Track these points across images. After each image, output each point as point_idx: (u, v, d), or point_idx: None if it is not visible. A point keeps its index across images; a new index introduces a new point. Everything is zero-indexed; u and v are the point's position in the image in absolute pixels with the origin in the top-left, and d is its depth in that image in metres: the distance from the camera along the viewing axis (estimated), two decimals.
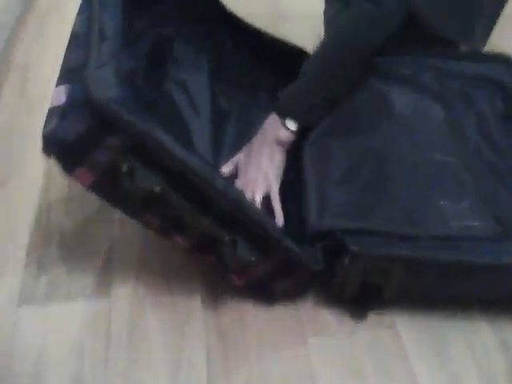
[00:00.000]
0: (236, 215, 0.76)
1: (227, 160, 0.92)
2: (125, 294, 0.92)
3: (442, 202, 0.87)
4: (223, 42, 1.00)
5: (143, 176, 0.71)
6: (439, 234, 0.84)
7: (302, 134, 0.91)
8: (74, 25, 0.78)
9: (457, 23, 1.01)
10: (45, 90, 1.22)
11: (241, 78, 1.02)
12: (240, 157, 0.91)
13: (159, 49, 0.89)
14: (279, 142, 0.89)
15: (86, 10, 0.78)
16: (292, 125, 0.88)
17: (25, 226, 1.02)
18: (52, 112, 0.72)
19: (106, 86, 0.67)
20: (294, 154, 0.92)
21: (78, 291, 0.93)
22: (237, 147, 0.94)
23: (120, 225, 1.02)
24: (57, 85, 0.74)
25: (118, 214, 1.01)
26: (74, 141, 0.69)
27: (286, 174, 0.91)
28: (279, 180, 0.89)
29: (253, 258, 0.79)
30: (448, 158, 0.92)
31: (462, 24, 1.02)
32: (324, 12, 1.22)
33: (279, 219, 0.85)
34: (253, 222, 0.77)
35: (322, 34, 1.21)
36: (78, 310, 0.90)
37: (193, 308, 0.90)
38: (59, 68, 0.77)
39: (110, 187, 0.75)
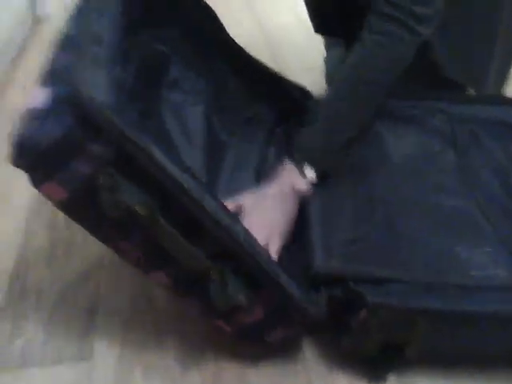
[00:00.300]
0: (229, 246, 0.69)
1: (225, 187, 0.90)
2: (110, 356, 0.83)
3: (461, 250, 0.82)
4: (224, 70, 0.97)
5: (126, 190, 0.64)
6: (464, 284, 0.77)
7: None
8: (65, 28, 0.72)
9: (469, 66, 0.99)
10: None
11: (240, 109, 0.99)
12: (246, 197, 0.86)
13: (152, 67, 0.85)
14: (297, 192, 0.85)
15: (80, 14, 0.73)
16: (310, 172, 0.85)
17: None
18: (29, 115, 0.64)
19: (98, 88, 0.61)
20: None
21: (57, 354, 0.84)
22: (234, 176, 0.92)
23: (107, 279, 0.94)
24: (38, 86, 0.66)
25: (104, 270, 0.95)
26: (50, 146, 0.62)
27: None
28: (286, 233, 0.83)
29: (243, 301, 0.71)
30: (460, 203, 0.89)
31: (474, 67, 1.00)
32: (324, 60, 1.21)
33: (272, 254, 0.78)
34: (246, 253, 0.70)
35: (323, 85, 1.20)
36: (56, 376, 0.81)
37: (189, 370, 0.81)
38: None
39: (83, 204, 0.67)
